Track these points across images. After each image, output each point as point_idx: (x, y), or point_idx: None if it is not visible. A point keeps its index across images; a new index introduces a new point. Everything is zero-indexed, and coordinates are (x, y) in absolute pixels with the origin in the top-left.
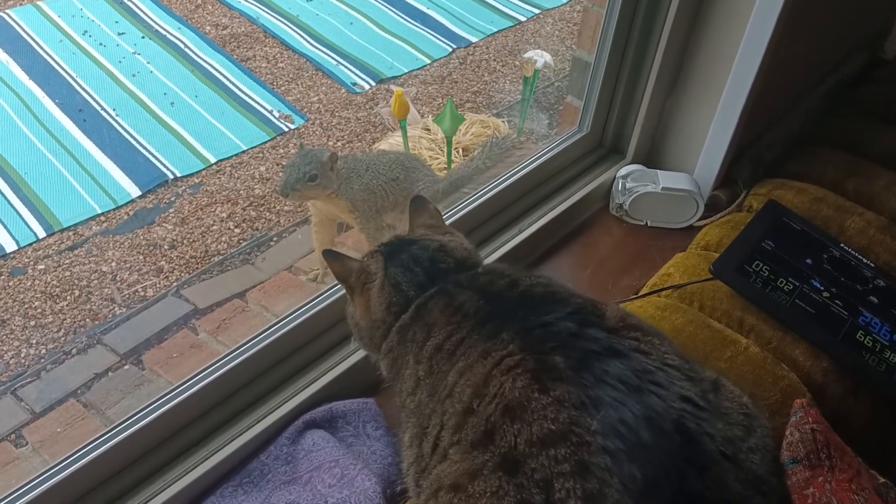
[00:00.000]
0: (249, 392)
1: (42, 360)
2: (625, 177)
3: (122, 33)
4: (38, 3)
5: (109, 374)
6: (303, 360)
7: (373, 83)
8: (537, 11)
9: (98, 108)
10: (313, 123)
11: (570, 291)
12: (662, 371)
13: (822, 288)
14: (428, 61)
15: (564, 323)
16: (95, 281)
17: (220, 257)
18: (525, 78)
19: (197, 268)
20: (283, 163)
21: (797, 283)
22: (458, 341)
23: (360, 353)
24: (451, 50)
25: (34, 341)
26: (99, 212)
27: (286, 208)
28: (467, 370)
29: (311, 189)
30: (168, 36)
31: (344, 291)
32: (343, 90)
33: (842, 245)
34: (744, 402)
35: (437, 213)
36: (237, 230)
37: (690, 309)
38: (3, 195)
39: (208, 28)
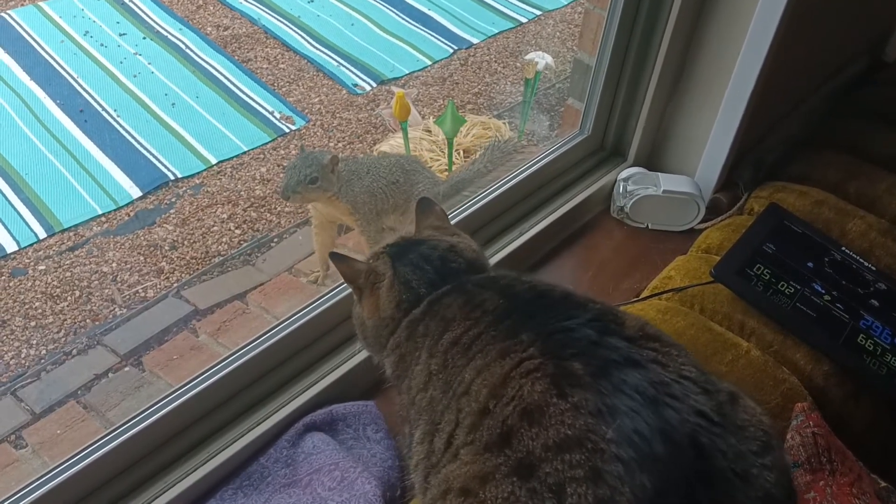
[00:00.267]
0: (249, 394)
1: (42, 361)
2: (626, 179)
3: (124, 34)
4: (40, 3)
5: (109, 375)
6: (303, 362)
7: (374, 84)
8: (538, 13)
9: (99, 109)
10: (314, 124)
11: (589, 297)
12: (679, 384)
13: (823, 291)
14: (429, 62)
15: (585, 330)
16: (96, 281)
17: (221, 258)
18: (526, 80)
19: (197, 269)
20: (284, 164)
21: (798, 287)
22: (475, 336)
23: (361, 356)
24: (452, 51)
25: (34, 342)
26: (100, 212)
27: (287, 209)
28: (485, 369)
29: (311, 192)
30: (169, 37)
31: (345, 293)
32: (344, 91)
33: (843, 248)
34: (763, 420)
35: (443, 214)
36: (238, 231)
37: (691, 312)
38: (4, 195)
39: (209, 29)
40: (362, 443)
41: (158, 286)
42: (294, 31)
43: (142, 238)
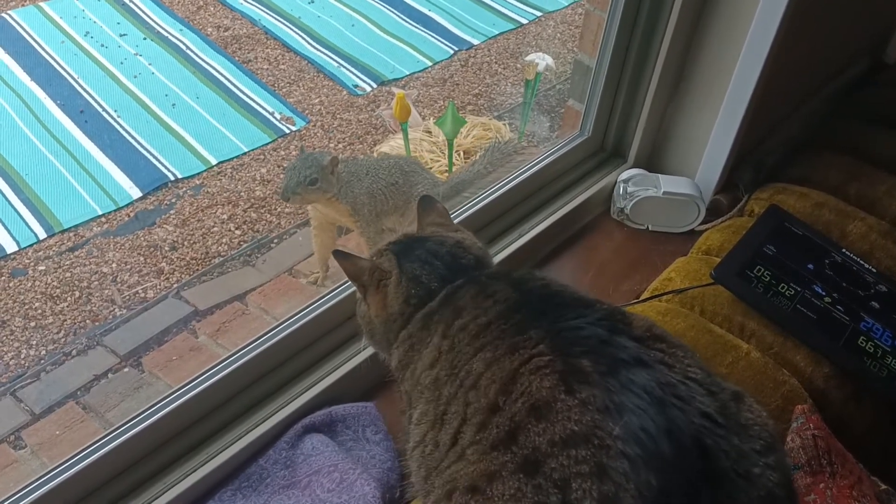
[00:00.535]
0: (249, 395)
1: (42, 361)
2: (626, 181)
3: (124, 35)
4: (40, 4)
5: (109, 375)
6: (302, 363)
7: (374, 85)
8: (539, 14)
9: (99, 110)
10: (314, 125)
11: (597, 298)
12: (685, 385)
13: (823, 293)
14: (429, 63)
15: (594, 329)
16: (96, 282)
17: (221, 259)
18: (526, 81)
19: (197, 269)
20: (285, 165)
21: (798, 289)
22: (484, 324)
23: (360, 357)
24: (452, 52)
25: (34, 342)
26: (100, 213)
27: (287, 210)
28: (494, 363)
29: (311, 193)
30: (170, 37)
31: (345, 294)
32: (344, 92)
33: (843, 250)
34: (768, 422)
35: (445, 212)
36: (238, 232)
37: (691, 314)
38: (4, 196)
39: (210, 30)
40: (361, 444)
41: (158, 287)
42: (294, 31)
43: (142, 239)
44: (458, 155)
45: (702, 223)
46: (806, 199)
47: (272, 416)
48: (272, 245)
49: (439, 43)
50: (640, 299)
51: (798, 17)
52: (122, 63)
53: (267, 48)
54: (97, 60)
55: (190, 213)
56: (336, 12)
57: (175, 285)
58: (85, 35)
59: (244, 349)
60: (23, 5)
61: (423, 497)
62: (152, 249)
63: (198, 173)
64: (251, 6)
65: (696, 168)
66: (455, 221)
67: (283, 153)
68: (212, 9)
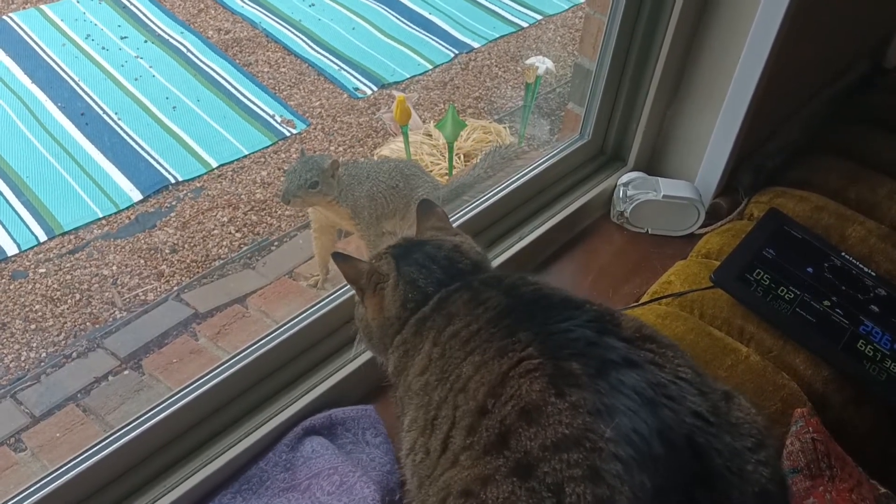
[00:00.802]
0: (248, 398)
1: (42, 364)
2: (626, 184)
3: (125, 37)
4: (42, 6)
5: (109, 378)
6: (302, 366)
7: (375, 88)
8: (539, 17)
9: (100, 112)
10: (315, 128)
11: (586, 299)
12: (675, 385)
13: (822, 297)
14: (430, 66)
15: (583, 330)
16: (96, 285)
17: (221, 262)
18: (527, 84)
19: (198, 272)
20: (285, 167)
21: (798, 292)
22: (474, 331)
23: (360, 360)
24: (453, 55)
25: (34, 344)
26: (100, 215)
27: (287, 213)
28: (483, 366)
29: (312, 196)
30: (170, 40)
31: (345, 297)
32: (345, 95)
33: (843, 254)
34: (757, 419)
35: (444, 216)
36: (238, 234)
37: (691, 317)
38: (5, 198)
39: (211, 32)
40: (361, 447)
41: (158, 289)
42: (295, 34)
43: (142, 241)
44: (459, 158)
45: (701, 227)
46: (805, 203)
47: (272, 419)
48: (272, 248)
49: (440, 46)
50: (640, 303)
51: (798, 21)
52: (122, 66)
53: (268, 51)
54: (98, 63)
55: (190, 215)
56: (337, 15)
57: (175, 288)
58: (86, 38)
59: (244, 352)
60: (24, 8)
61: (415, 495)
62: (153, 252)
63: (198, 176)
64: (252, 9)
65: (695, 171)
66: (455, 225)
67: (283, 156)
68: (213, 12)
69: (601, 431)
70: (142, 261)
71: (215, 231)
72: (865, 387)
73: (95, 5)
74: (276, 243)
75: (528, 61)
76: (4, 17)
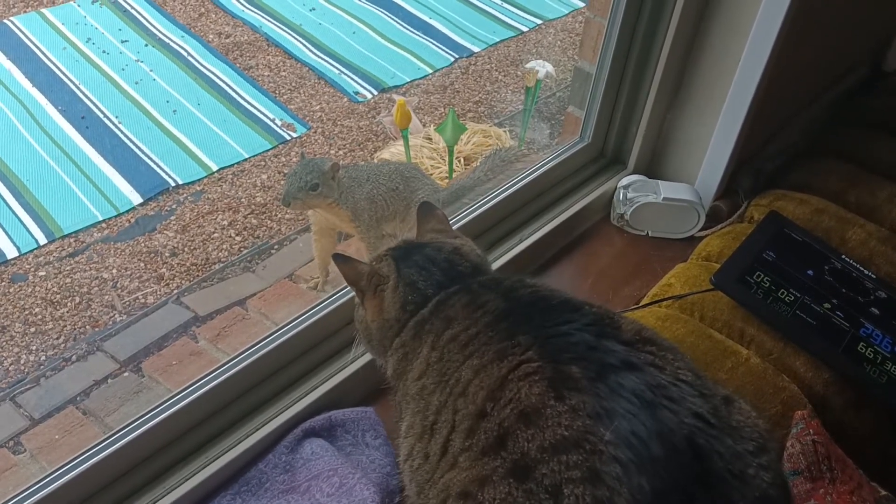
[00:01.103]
0: (248, 400)
1: (42, 367)
2: (626, 187)
3: (126, 41)
4: (42, 10)
5: (108, 381)
6: (302, 368)
7: (375, 92)
8: (539, 22)
9: (100, 116)
10: (315, 132)
11: (586, 301)
12: (675, 387)
13: (823, 299)
14: (430, 71)
15: (582, 334)
16: (96, 288)
17: (221, 265)
18: (527, 88)
19: (197, 275)
20: (285, 171)
21: (798, 295)
22: (473, 335)
23: (360, 362)
24: (453, 59)
25: (34, 347)
26: (100, 219)
27: (287, 216)
28: (482, 370)
29: (312, 198)
30: (171, 44)
31: (345, 299)
32: (345, 99)
33: (843, 256)
34: (759, 423)
35: (444, 218)
36: (238, 238)
37: (691, 319)
38: (5, 201)
39: (211, 36)
40: (361, 449)
41: (158, 293)
42: (296, 38)
43: (142, 244)
44: (459, 162)
45: (701, 229)
46: (806, 206)
47: (272, 421)
48: (272, 251)
49: (440, 50)
50: (640, 305)
51: (798, 24)
52: (123, 69)
53: (268, 55)
54: (98, 67)
55: (190, 218)
56: (337, 19)
57: (175, 291)
58: (87, 41)
59: (244, 353)
60: (25, 12)
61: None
62: (153, 255)
63: (198, 179)
64: (252, 13)
65: (695, 174)
66: (456, 227)
67: (283, 159)
68: (213, 16)
69: (600, 434)
70: (142, 264)
71: (215, 234)
72: (866, 389)
73: (96, 9)
74: (276, 247)
75: (528, 65)
76: (5, 20)
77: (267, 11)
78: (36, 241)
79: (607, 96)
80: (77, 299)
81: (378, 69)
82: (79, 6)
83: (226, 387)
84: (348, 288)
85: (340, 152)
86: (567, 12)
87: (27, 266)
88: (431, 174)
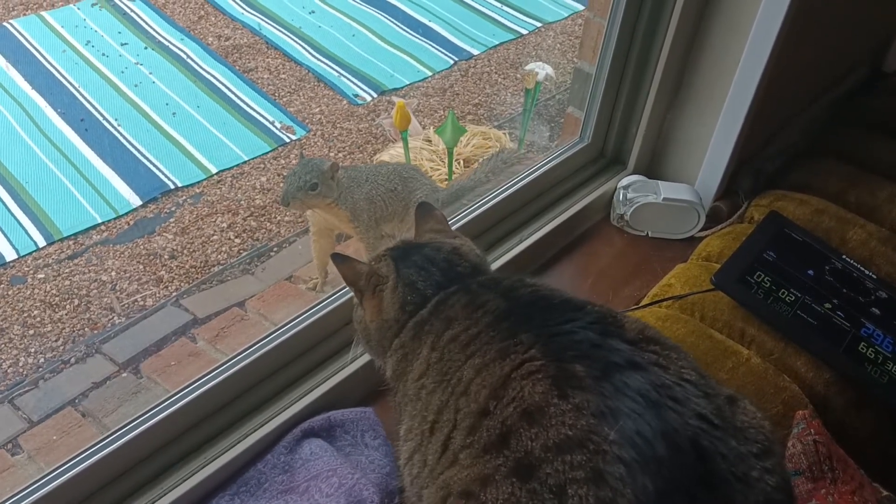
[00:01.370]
0: (247, 400)
1: (40, 369)
2: (626, 187)
3: (125, 44)
4: (42, 13)
5: (107, 382)
6: (301, 368)
7: (374, 95)
8: (539, 24)
9: (100, 118)
10: (315, 134)
11: (587, 300)
12: (680, 387)
13: (823, 299)
14: (429, 73)
15: (586, 332)
16: (95, 290)
17: (220, 267)
18: (527, 90)
19: (196, 278)
20: (285, 173)
21: (799, 295)
22: (474, 335)
23: (360, 362)
24: (452, 62)
25: (33, 350)
26: (99, 221)
27: (287, 218)
28: (484, 369)
29: (311, 198)
30: (171, 47)
31: (344, 299)
32: (345, 101)
33: (843, 257)
34: (764, 424)
35: (443, 218)
36: (237, 240)
37: (692, 320)
38: (4, 204)
39: (211, 39)
40: (360, 449)
41: (157, 295)
42: (295, 41)
43: (141, 247)
44: (458, 164)
45: (702, 230)
46: (806, 206)
47: (270, 421)
48: (271, 254)
49: (439, 53)
50: (640, 305)
51: (798, 24)
52: (122, 72)
53: (268, 58)
54: (98, 69)
55: (189, 221)
56: (337, 22)
57: (174, 293)
58: (86, 44)
59: (243, 353)
60: (24, 14)
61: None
62: (152, 258)
63: (198, 182)
64: (252, 16)
65: (695, 175)
66: (455, 227)
67: (283, 162)
68: (213, 18)
69: (605, 434)
70: (141, 266)
71: (214, 237)
72: (867, 389)
73: (96, 12)
74: (275, 249)
75: (528, 67)
76: (5, 23)
77: (266, 14)
78: (35, 243)
79: (607, 96)
80: (76, 302)
81: (377, 72)
82: (78, 9)
83: (224, 387)
84: (347, 288)
85: (340, 155)
86: (566, 15)
87: (26, 268)
88: (431, 176)
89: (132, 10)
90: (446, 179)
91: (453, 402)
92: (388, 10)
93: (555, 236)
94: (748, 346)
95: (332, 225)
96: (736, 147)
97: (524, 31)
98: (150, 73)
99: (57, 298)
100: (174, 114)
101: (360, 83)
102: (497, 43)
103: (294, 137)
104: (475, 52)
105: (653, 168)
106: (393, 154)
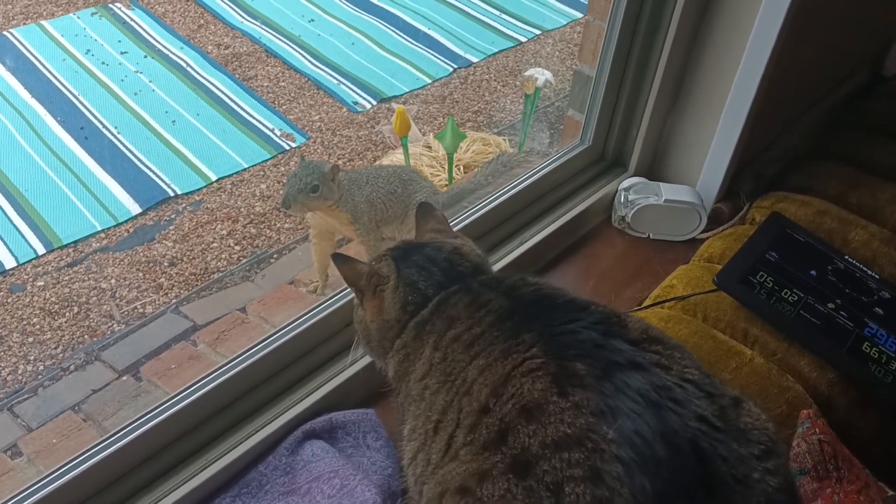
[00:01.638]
0: (248, 402)
1: (39, 377)
2: (627, 189)
3: (125, 52)
4: (42, 22)
5: (107, 386)
6: (302, 370)
7: (374, 102)
8: (538, 32)
9: (100, 126)
10: (314, 142)
11: (591, 301)
12: (681, 388)
13: (826, 299)
14: (428, 81)
15: (589, 332)
16: (94, 297)
17: (220, 274)
18: (526, 95)
19: (196, 285)
20: (284, 181)
21: (802, 295)
22: (477, 334)
23: (361, 364)
24: (451, 70)
25: (32, 357)
26: (99, 229)
27: (286, 225)
28: (487, 368)
29: (312, 200)
30: (170, 55)
31: (345, 301)
32: (344, 109)
33: (846, 257)
34: (768, 426)
35: (443, 219)
36: (237, 247)
37: (694, 320)
38: (4, 212)
39: (210, 47)
40: (362, 451)
41: (157, 302)
42: (295, 49)
43: (141, 254)
44: (458, 169)
45: (703, 231)
46: (808, 207)
47: (272, 423)
48: (271, 260)
49: (438, 60)
50: (643, 306)
51: (798, 25)
52: (122, 80)
53: (267, 66)
54: (98, 78)
55: (189, 228)
56: (336, 30)
57: (174, 300)
58: (86, 53)
59: (244, 354)
60: (25, 24)
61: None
62: (151, 265)
63: (197, 189)
64: (252, 24)
65: (696, 177)
66: (457, 229)
67: (282, 169)
68: (212, 27)
69: (603, 432)
70: (140, 274)
71: (214, 244)
72: (871, 389)
73: (96, 21)
74: (275, 256)
75: (528, 73)
76: (5, 32)
77: (266, 23)
78: (34, 251)
79: (607, 99)
80: (75, 309)
81: (377, 79)
82: (78, 18)
83: (225, 388)
84: (348, 289)
85: (340, 162)
86: (565, 23)
87: (25, 276)
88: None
89: (132, 20)
90: (446, 185)
91: (457, 401)
92: (387, 19)
93: (556, 238)
94: (751, 347)
95: (332, 227)
96: (737, 149)
97: (523, 39)
98: (150, 82)
99: (56, 306)
100: (174, 122)
101: (359, 91)
102: (496, 51)
103: (294, 145)
104: (474, 59)
105: (653, 170)
106: (393, 160)
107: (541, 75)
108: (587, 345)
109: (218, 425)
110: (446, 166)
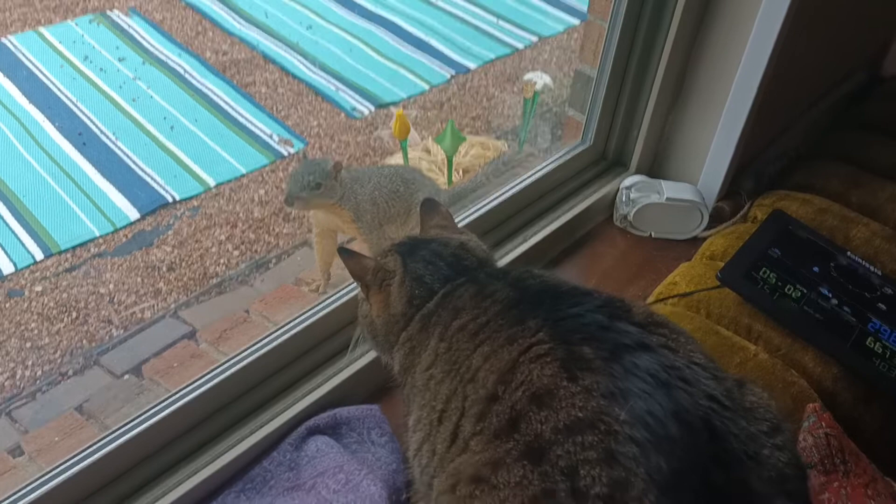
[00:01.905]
0: (252, 398)
1: (38, 382)
2: (629, 187)
3: (123, 59)
4: (40, 29)
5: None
6: (307, 365)
7: (372, 108)
8: (535, 39)
9: (98, 132)
10: (313, 147)
11: (594, 289)
12: (689, 369)
13: (830, 295)
14: (426, 87)
15: (594, 315)
16: (93, 303)
17: (219, 279)
18: (525, 100)
19: (195, 290)
20: (283, 186)
21: (805, 290)
22: (483, 323)
23: (364, 360)
24: (449, 76)
25: (30, 363)
26: (97, 234)
27: (285, 230)
28: (492, 355)
29: (315, 197)
30: (168, 62)
31: (348, 297)
32: (342, 115)
33: (848, 253)
34: (771, 404)
35: (448, 215)
36: (236, 252)
37: (697, 316)
38: (2, 217)
39: (208, 54)
40: (367, 446)
41: (156, 307)
42: (293, 56)
43: (139, 259)
44: (458, 173)
45: (705, 229)
46: (809, 205)
47: (276, 419)
48: (270, 265)
49: (436, 67)
50: (646, 303)
51: (798, 27)
52: (120, 87)
53: (265, 72)
54: (96, 84)
55: (188, 234)
56: (334, 37)
57: (172, 305)
58: (84, 59)
59: (247, 351)
60: (22, 30)
61: (423, 493)
62: (150, 270)
63: (196, 195)
64: (249, 31)
65: (697, 176)
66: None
67: (281, 175)
68: (210, 34)
69: (616, 414)
70: (139, 279)
71: (213, 249)
72: (875, 384)
73: (93, 27)
74: (273, 261)
75: (527, 77)
76: (2, 39)
77: (264, 29)
78: (32, 256)
79: (608, 99)
80: (74, 314)
81: (375, 86)
82: (76, 25)
83: (229, 384)
84: (353, 285)
85: None
86: (563, 29)
87: (23, 281)
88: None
89: (130, 26)
90: (446, 188)
91: (461, 389)
92: (385, 25)
93: (557, 237)
94: (755, 342)
95: (334, 225)
96: (738, 148)
97: (520, 46)
98: (148, 88)
99: (55, 311)
100: (172, 128)
101: (357, 97)
102: (494, 57)
103: (292, 150)
104: (472, 66)
105: (654, 170)
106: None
107: (539, 79)
108: (593, 328)
109: (222, 421)
110: (445, 170)
